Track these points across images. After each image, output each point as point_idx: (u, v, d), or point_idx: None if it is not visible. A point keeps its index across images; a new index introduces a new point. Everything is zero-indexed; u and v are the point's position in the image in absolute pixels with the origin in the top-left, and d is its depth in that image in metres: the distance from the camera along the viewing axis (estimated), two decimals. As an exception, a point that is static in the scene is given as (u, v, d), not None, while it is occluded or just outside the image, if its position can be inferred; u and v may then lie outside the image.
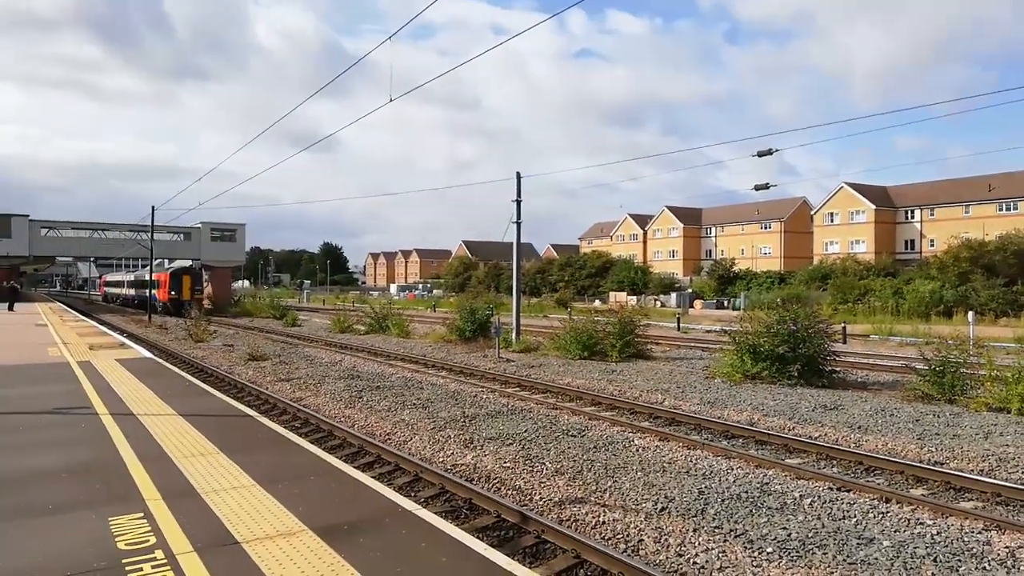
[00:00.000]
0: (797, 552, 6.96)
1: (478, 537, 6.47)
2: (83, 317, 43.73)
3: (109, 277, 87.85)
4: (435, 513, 6.78)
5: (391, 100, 17.83)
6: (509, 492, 9.09)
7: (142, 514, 6.14)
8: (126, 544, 5.43)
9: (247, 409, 11.98)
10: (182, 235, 77.30)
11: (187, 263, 64.80)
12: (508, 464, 10.26)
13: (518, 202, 28.89)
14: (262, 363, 22.39)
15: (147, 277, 57.22)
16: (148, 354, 21.13)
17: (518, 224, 28.99)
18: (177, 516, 6.08)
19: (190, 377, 16.21)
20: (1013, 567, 6.65)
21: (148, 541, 5.50)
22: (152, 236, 50.51)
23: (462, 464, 10.41)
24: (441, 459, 10.78)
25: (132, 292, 68.05)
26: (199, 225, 75.30)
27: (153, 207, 47.34)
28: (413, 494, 8.89)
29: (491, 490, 9.12)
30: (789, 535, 7.39)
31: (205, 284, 63.97)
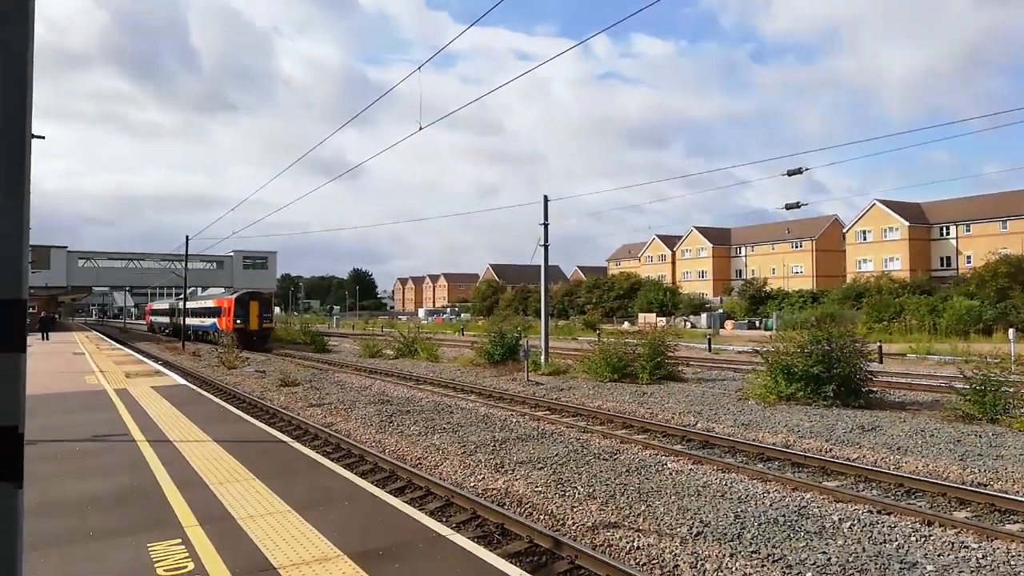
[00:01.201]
0: (838, 577, 6.80)
1: (512, 562, 6.43)
2: (119, 345, 44.62)
3: (156, 305, 77.94)
4: (468, 538, 6.77)
5: (420, 128, 18.10)
6: (541, 517, 9.02)
7: (180, 540, 6.21)
8: (165, 570, 5.50)
9: (280, 434, 12.10)
10: (215, 264, 78.73)
11: (243, 288, 57.19)
12: (540, 488, 10.20)
13: (545, 225, 28.98)
14: (294, 389, 22.60)
15: (207, 304, 52.81)
16: (182, 381, 21.46)
17: (545, 247, 29.06)
18: (214, 542, 6.15)
19: (224, 403, 16.43)
20: (1065, 593, 6.43)
21: (187, 567, 5.56)
22: (186, 265, 51.48)
23: (493, 488, 10.37)
24: (472, 483, 10.76)
25: (190, 321, 55.82)
26: (231, 254, 76.56)
27: (187, 236, 48.32)
28: (445, 519, 8.87)
29: (523, 515, 9.07)
30: (828, 560, 7.23)
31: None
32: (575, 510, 9.12)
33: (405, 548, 6.05)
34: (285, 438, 11.68)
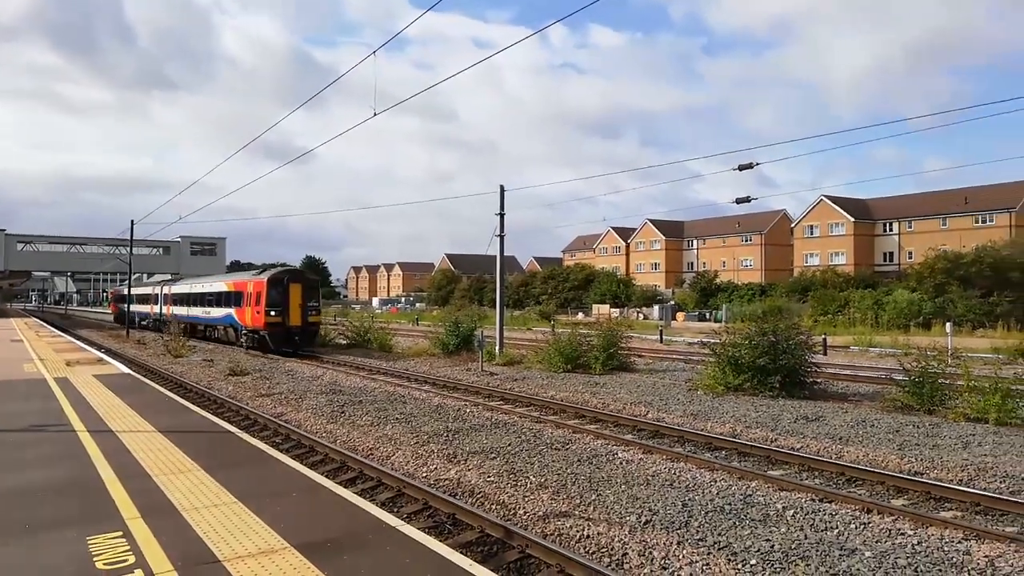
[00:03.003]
0: (780, 564, 6.98)
1: (463, 553, 6.43)
2: (60, 333, 43.11)
3: (140, 289, 57.77)
4: (419, 529, 6.74)
5: (375, 114, 17.86)
6: (493, 507, 9.04)
7: (121, 533, 6.04)
8: (105, 563, 5.35)
9: (227, 425, 11.86)
10: (161, 249, 76.72)
11: (281, 264, 42.88)
12: (492, 478, 10.22)
13: (501, 215, 28.94)
14: (242, 378, 22.17)
15: (214, 287, 37.46)
16: (126, 370, 20.87)
17: (501, 237, 29.03)
18: (157, 535, 6.00)
19: (169, 393, 16.03)
20: (992, 576, 6.71)
21: (127, 560, 5.42)
22: (131, 250, 49.91)
23: (445, 479, 10.35)
24: (424, 474, 10.72)
25: (186, 311, 41.36)
26: (179, 239, 74.72)
27: (132, 221, 46.88)
28: (396, 510, 8.83)
29: (475, 505, 9.08)
30: (772, 547, 7.42)
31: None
32: (527, 500, 9.17)
33: (354, 539, 5.99)
34: (232, 428, 11.45)
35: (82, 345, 32.17)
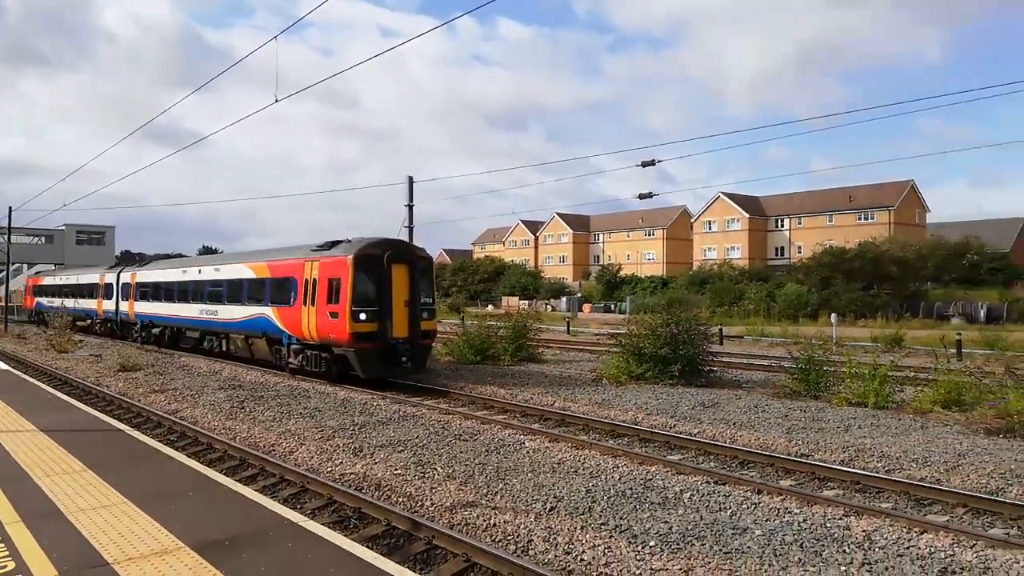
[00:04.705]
0: (677, 544, 7.28)
1: (368, 546, 6.39)
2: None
3: (68, 279, 42.98)
4: (323, 524, 6.65)
5: (277, 100, 17.31)
6: (400, 499, 9.00)
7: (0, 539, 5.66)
8: (-23, 573, 5.00)
9: (117, 423, 11.28)
10: (43, 238, 71.70)
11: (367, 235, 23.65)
12: (399, 471, 10.16)
13: (410, 206, 28.66)
14: (134, 374, 21.07)
15: (237, 272, 23.56)
16: (4, 366, 19.45)
17: (410, 228, 28.76)
18: (40, 539, 5.65)
19: (53, 390, 15.07)
20: (869, 548, 7.23)
21: (7, 567, 5.08)
22: (9, 238, 46.37)
23: (351, 473, 10.20)
24: (329, 469, 10.53)
25: (168, 310, 28.74)
26: (63, 227, 70.09)
27: (11, 208, 43.58)
28: (299, 506, 8.64)
29: (381, 498, 9.00)
30: (670, 528, 7.72)
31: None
32: (434, 491, 9.17)
33: (254, 537, 5.84)
34: (123, 427, 10.90)
35: (-49, 341, 29.73)
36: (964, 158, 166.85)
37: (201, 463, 8.90)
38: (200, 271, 26.50)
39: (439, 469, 10.20)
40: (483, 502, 8.68)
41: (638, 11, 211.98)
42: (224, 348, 24.79)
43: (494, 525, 7.89)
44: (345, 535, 6.84)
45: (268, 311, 21.11)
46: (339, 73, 27.08)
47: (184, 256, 34.75)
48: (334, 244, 19.58)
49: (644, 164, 25.47)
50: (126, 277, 33.20)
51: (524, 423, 13.88)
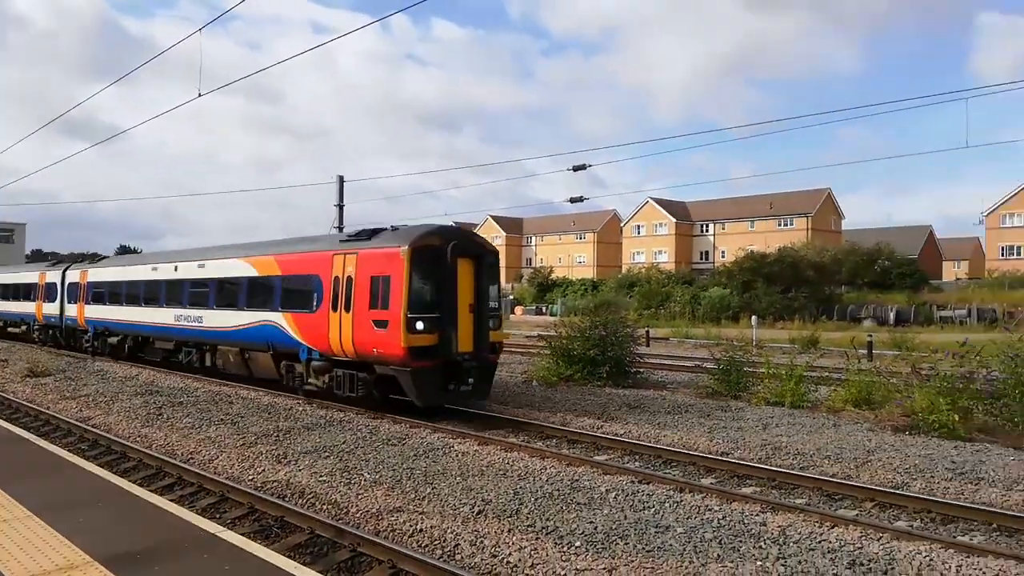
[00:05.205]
0: (602, 544, 7.39)
1: (289, 556, 6.24)
2: None
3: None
4: (242, 535, 6.46)
5: (200, 95, 16.78)
6: (324, 507, 8.82)
7: None
8: None
9: (22, 432, 10.69)
10: (-57, 235, 67.41)
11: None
12: (324, 478, 9.97)
13: (341, 206, 28.25)
14: (43, 380, 20.00)
15: (234, 268, 19.12)
16: None
17: (340, 229, 28.32)
18: (-72, 559, 5.29)
19: (-50, 398, 14.15)
20: (784, 543, 7.50)
21: None
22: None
23: (274, 481, 9.95)
24: (251, 477, 10.24)
25: (128, 315, 24.10)
26: (-35, 224, 66.16)
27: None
28: (218, 516, 8.37)
29: (305, 506, 8.81)
30: (595, 528, 7.83)
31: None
32: (360, 497, 9.03)
33: (168, 549, 5.63)
34: (28, 435, 10.33)
35: None
36: (877, 168, 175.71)
37: (114, 473, 8.52)
38: (177, 268, 21.98)
39: (366, 475, 10.06)
40: (410, 507, 8.60)
41: (570, 15, 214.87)
42: (209, 363, 20.31)
43: (421, 530, 7.83)
44: (266, 545, 6.66)
45: (277, 317, 16.78)
46: (267, 68, 26.42)
47: (139, 252, 30.79)
48: (374, 232, 15.48)
49: (575, 168, 25.82)
50: (74, 276, 28.10)
51: (453, 426, 13.82)
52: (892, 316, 46.35)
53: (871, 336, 28.92)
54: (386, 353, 13.87)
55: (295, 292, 16.64)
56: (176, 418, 14.33)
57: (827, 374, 18.21)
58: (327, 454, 11.30)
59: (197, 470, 10.24)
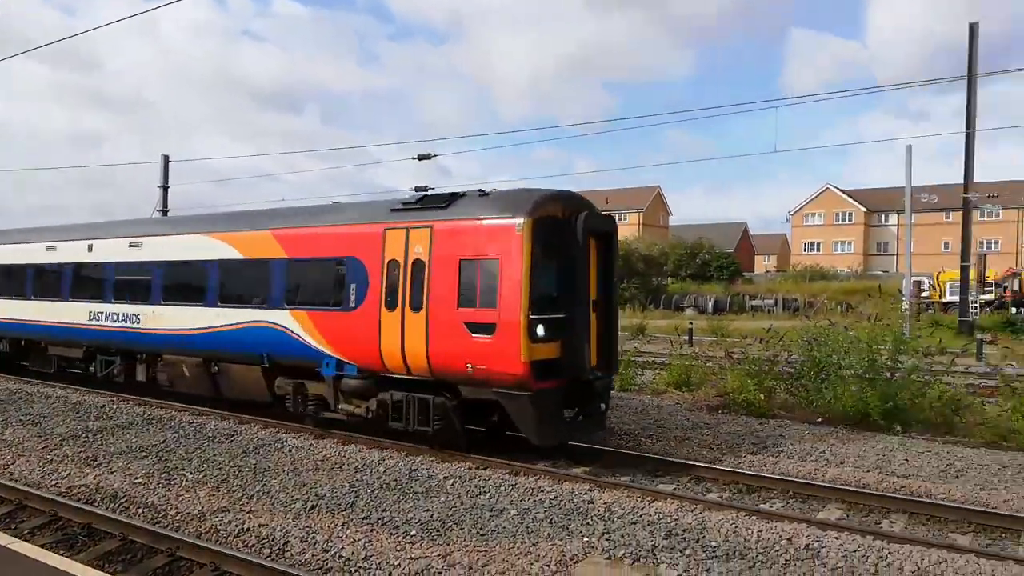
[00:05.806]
0: (438, 531, 7.44)
1: (97, 566, 5.76)
2: None
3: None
4: (40, 546, 5.86)
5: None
6: (140, 511, 8.19)
7: None
8: None
9: None
10: None
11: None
12: (140, 480, 9.26)
13: (165, 188, 26.26)
14: None
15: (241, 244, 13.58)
16: None
17: (164, 212, 26.34)
18: None
19: None
20: (609, 519, 7.93)
21: None
22: None
23: (82, 485, 9.10)
24: (54, 482, 9.29)
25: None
26: None
27: None
28: (13, 526, 7.55)
29: (117, 511, 8.13)
30: (432, 516, 7.87)
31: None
32: (180, 499, 8.48)
33: (-54, 568, 4.99)
34: None
35: None
36: (700, 168, 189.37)
37: None
38: (92, 247, 16.35)
39: (188, 475, 9.47)
40: (237, 506, 8.21)
41: (416, 1, 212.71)
42: (142, 376, 15.39)
43: (247, 529, 7.49)
44: (70, 556, 6.09)
45: (279, 317, 12.39)
46: (81, 33, 23.88)
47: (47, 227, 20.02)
48: (452, 198, 11.14)
49: (420, 157, 25.59)
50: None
51: (287, 421, 13.29)
52: (711, 305, 50.29)
53: (692, 324, 31.21)
54: (492, 370, 9.88)
55: (314, 282, 12.39)
56: (-38, 421, 12.71)
57: (652, 359, 19.46)
58: (144, 454, 10.52)
59: (-13, 478, 9.15)
